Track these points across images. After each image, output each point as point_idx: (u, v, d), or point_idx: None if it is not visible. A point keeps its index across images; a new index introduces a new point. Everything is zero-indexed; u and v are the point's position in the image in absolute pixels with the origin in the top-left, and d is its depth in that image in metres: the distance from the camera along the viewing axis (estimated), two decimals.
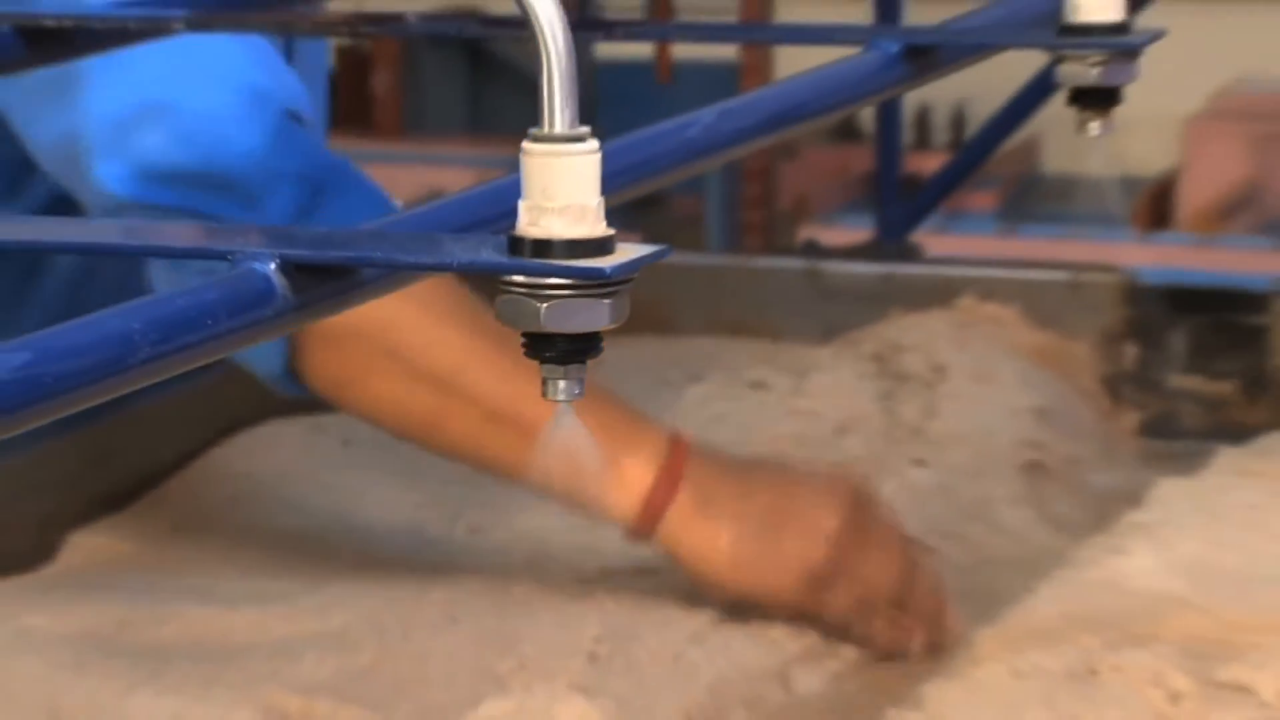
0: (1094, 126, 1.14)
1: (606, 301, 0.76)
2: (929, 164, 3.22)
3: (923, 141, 4.66)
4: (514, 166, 0.77)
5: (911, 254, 2.31)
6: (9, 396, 0.67)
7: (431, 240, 0.80)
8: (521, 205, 0.76)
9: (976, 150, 2.54)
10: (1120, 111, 1.14)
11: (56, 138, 1.56)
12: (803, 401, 1.92)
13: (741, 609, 1.59)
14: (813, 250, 2.41)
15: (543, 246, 0.75)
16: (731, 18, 4.09)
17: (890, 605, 1.56)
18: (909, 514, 1.73)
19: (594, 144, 0.76)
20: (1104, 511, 1.74)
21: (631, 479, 1.53)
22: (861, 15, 2.50)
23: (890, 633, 1.56)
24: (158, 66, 1.52)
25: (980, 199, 4.18)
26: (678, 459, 1.54)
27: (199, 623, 1.58)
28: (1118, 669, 1.41)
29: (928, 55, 1.12)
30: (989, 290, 2.08)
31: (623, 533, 1.56)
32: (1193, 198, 4.34)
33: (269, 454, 1.87)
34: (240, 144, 1.53)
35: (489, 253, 0.76)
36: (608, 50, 4.21)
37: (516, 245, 0.76)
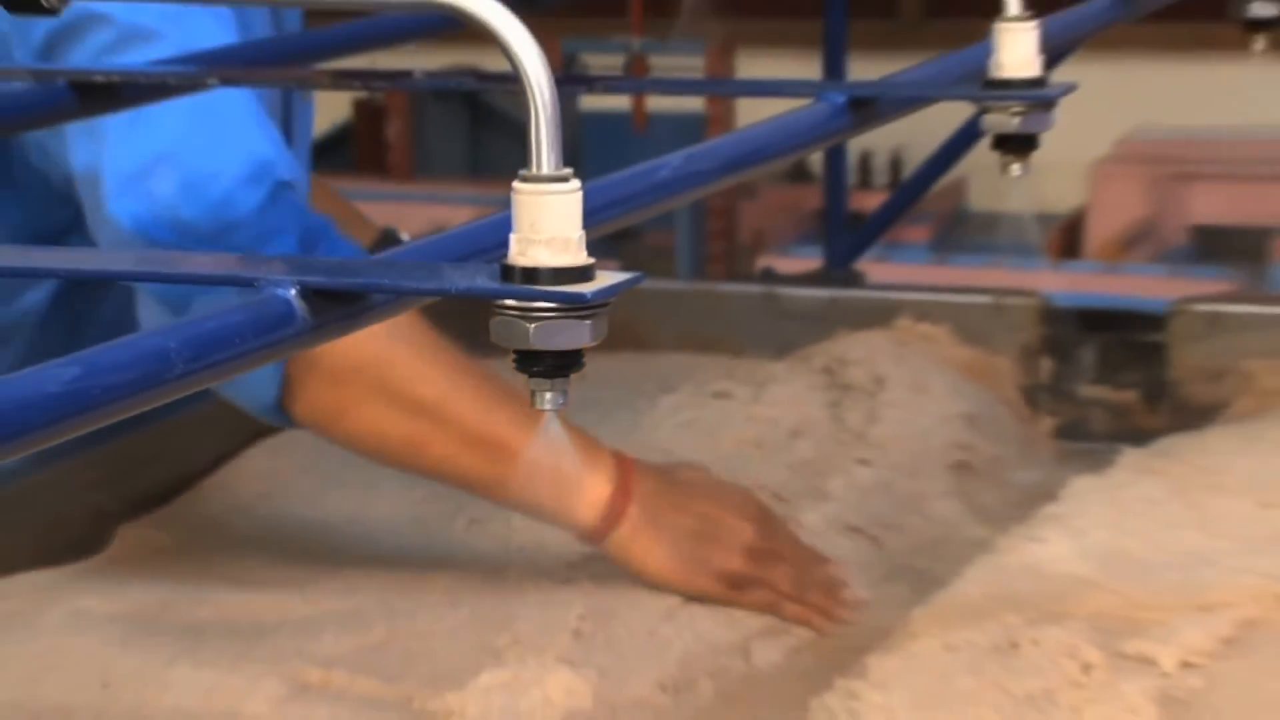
0: (1014, 168, 1.14)
1: (587, 322, 0.76)
2: (870, 202, 3.21)
3: (865, 182, 4.66)
4: (508, 204, 0.77)
5: (855, 280, 2.31)
6: (61, 406, 0.67)
7: (433, 268, 0.80)
8: (512, 238, 0.76)
9: (912, 189, 2.54)
10: (1037, 155, 1.14)
11: (83, 169, 1.55)
12: (761, 409, 1.92)
13: (710, 600, 1.60)
14: (769, 277, 2.42)
15: (531, 274, 0.76)
16: (698, 74, 4.09)
17: (793, 592, 1.61)
18: (854, 507, 1.74)
19: (576, 184, 0.76)
20: (1023, 505, 1.74)
21: (592, 495, 1.56)
22: (812, 71, 2.50)
23: (798, 613, 1.61)
24: (178, 125, 1.52)
25: (915, 232, 4.18)
26: (628, 478, 1.58)
27: (231, 604, 1.57)
28: (1036, 643, 1.41)
29: (869, 106, 1.12)
30: (923, 312, 2.08)
31: (577, 537, 1.59)
32: (1099, 231, 4.35)
33: (290, 458, 1.87)
34: (240, 204, 1.53)
35: (484, 279, 0.76)
36: (590, 103, 4.21)
37: (508, 273, 0.76)
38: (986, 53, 1.13)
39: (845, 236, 2.44)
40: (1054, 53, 1.15)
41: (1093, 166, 4.42)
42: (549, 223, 0.75)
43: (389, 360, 1.55)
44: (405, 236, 1.90)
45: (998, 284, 2.16)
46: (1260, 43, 1.54)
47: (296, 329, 0.74)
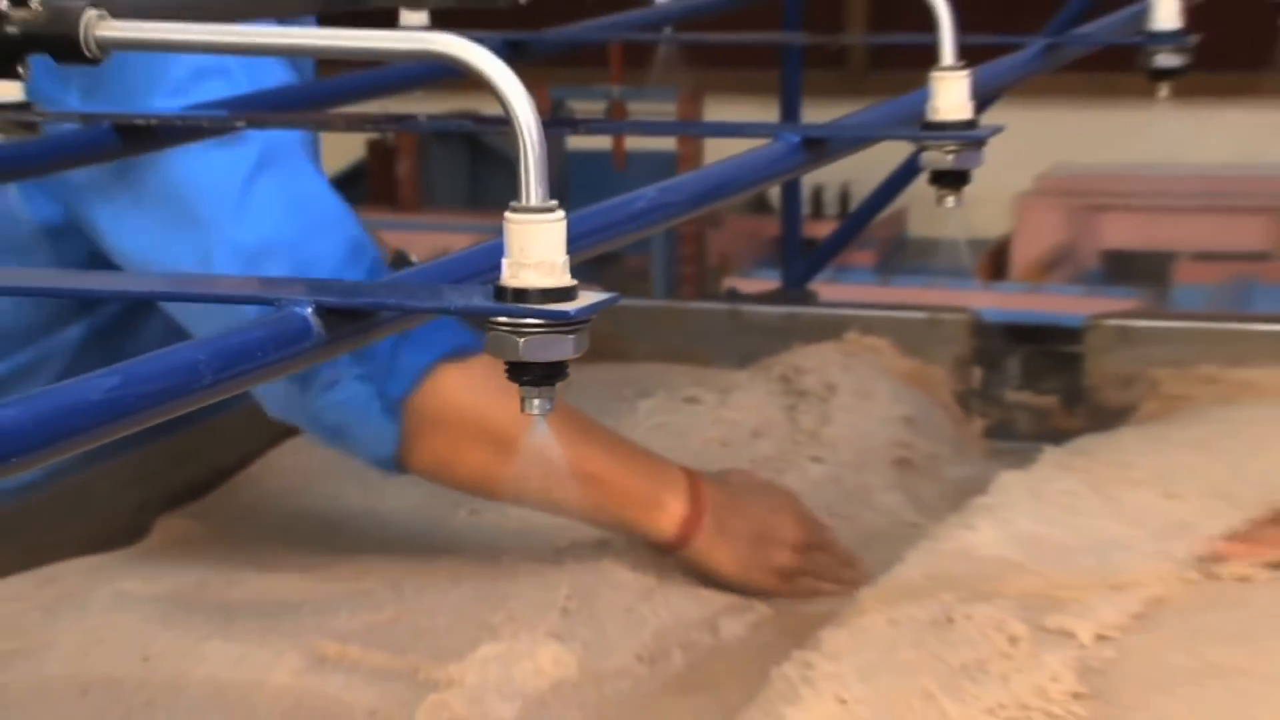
0: (949, 200, 1.14)
1: (571, 337, 0.76)
2: (822, 230, 3.22)
3: (817, 212, 4.66)
4: (501, 232, 0.77)
5: (809, 299, 2.31)
6: (102, 412, 0.66)
7: (434, 289, 0.80)
8: (504, 262, 0.76)
9: (859, 218, 2.54)
10: (968, 189, 1.13)
11: (181, 256, 1.53)
12: (726, 413, 1.92)
13: (678, 574, 1.60)
14: (733, 296, 2.41)
15: (521, 294, 0.75)
16: (671, 118, 4.09)
17: (829, 575, 1.65)
18: (808, 499, 1.73)
19: (560, 214, 0.76)
20: (957, 497, 1.74)
21: (672, 512, 1.59)
22: (770, 114, 2.49)
23: (833, 590, 1.63)
24: (278, 218, 1.52)
25: (861, 256, 4.18)
26: (698, 493, 1.60)
27: (258, 586, 1.57)
28: (969, 617, 1.41)
29: (821, 145, 1.11)
30: (868, 326, 2.08)
31: (657, 549, 1.60)
32: (1023, 255, 4.35)
33: (313, 456, 1.86)
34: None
35: (479, 299, 0.76)
36: (576, 143, 4.20)
37: (500, 293, 0.75)
38: (924, 98, 1.12)
39: (800, 260, 2.44)
40: (983, 98, 1.15)
41: (1017, 198, 4.42)
42: (537, 248, 0.75)
43: (490, 409, 1.55)
44: (415, 258, 1.90)
45: (934, 302, 2.16)
46: (1164, 90, 1.54)
47: (313, 343, 0.74)
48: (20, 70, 0.80)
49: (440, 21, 1.22)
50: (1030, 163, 4.45)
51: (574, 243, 0.77)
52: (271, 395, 1.57)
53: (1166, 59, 1.53)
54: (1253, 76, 2.30)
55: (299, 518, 1.74)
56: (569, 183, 4.10)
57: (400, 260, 1.92)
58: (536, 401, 0.77)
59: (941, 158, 1.12)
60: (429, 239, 4.03)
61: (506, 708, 1.35)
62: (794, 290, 2.39)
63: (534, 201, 0.75)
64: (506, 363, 0.76)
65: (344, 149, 4.49)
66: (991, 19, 1.30)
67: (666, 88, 4.03)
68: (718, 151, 1.11)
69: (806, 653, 1.39)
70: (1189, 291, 3.84)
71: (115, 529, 1.67)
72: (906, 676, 1.34)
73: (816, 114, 1.59)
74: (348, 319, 0.77)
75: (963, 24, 1.12)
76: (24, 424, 0.66)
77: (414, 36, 0.79)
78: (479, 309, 0.75)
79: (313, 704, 1.36)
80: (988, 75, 1.30)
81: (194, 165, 1.51)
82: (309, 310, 0.74)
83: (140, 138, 1.13)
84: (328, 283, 0.78)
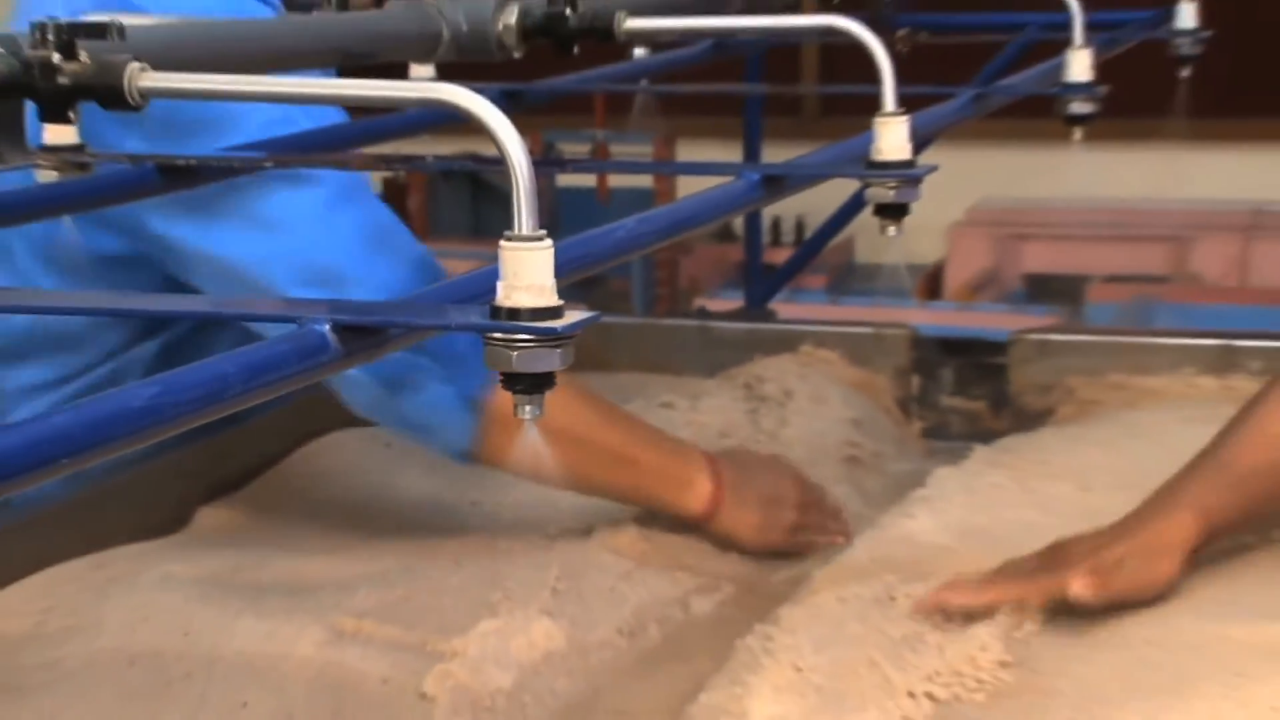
0: (890, 230, 1.13)
1: (558, 350, 0.76)
2: (780, 256, 3.21)
3: (776, 240, 4.65)
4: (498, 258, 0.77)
5: (769, 316, 2.31)
6: (142, 418, 0.66)
7: (438, 309, 0.79)
8: (499, 285, 0.75)
9: (812, 246, 2.54)
10: (908, 220, 1.13)
11: (258, 270, 1.52)
12: (696, 416, 1.92)
13: (654, 559, 1.59)
14: (702, 314, 2.41)
15: (514, 313, 0.75)
16: (648, 158, 4.08)
17: (825, 528, 1.68)
18: None
19: (549, 242, 0.75)
20: (899, 490, 1.74)
21: (700, 491, 1.62)
22: (734, 155, 2.49)
23: (830, 541, 1.66)
24: (357, 241, 1.53)
25: (815, 279, 4.17)
26: (718, 472, 1.63)
27: (286, 568, 1.56)
28: (909, 596, 1.41)
29: (779, 182, 1.11)
30: (821, 340, 2.08)
31: (688, 521, 1.63)
32: (955, 277, 4.35)
33: (336, 453, 1.86)
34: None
35: (477, 317, 0.76)
36: (565, 180, 4.20)
37: (496, 312, 0.75)
38: (869, 141, 1.12)
39: (761, 283, 2.44)
40: (920, 140, 1.15)
41: (950, 228, 4.43)
42: (528, 273, 0.74)
43: (552, 408, 1.54)
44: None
45: (878, 319, 2.16)
46: (1078, 134, 1.54)
47: (330, 357, 0.73)
48: (71, 116, 0.79)
49: (445, 73, 1.22)
50: (961, 197, 4.45)
51: (562, 267, 0.76)
52: (359, 397, 1.58)
53: (1079, 107, 1.53)
54: (1155, 123, 2.30)
55: (322, 509, 1.73)
56: (559, 215, 4.10)
57: None
58: (528, 407, 0.77)
59: (884, 193, 1.11)
60: None
61: (504, 675, 1.35)
62: (755, 309, 2.39)
63: (525, 231, 0.75)
64: (501, 373, 0.76)
65: None
66: (927, 72, 1.29)
67: (644, 132, 4.03)
68: (689, 187, 1.10)
69: (767, 627, 1.39)
70: (1100, 310, 3.84)
71: (160, 519, 1.66)
72: (854, 647, 1.33)
73: (774, 154, 1.58)
74: (362, 335, 0.76)
75: (902, 77, 1.11)
76: (75, 428, 0.65)
77: (422, 86, 0.78)
78: (477, 326, 0.75)
79: (333, 673, 1.35)
80: (924, 121, 1.30)
81: (279, 196, 1.51)
82: (327, 327, 0.74)
83: (179, 176, 1.12)
84: (344, 303, 0.77)
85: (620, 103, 3.16)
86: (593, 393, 1.62)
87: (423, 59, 1.17)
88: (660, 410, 1.93)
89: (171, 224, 1.54)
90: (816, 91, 4.47)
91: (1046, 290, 4.25)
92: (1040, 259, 4.41)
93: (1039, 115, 1.60)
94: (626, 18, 1.14)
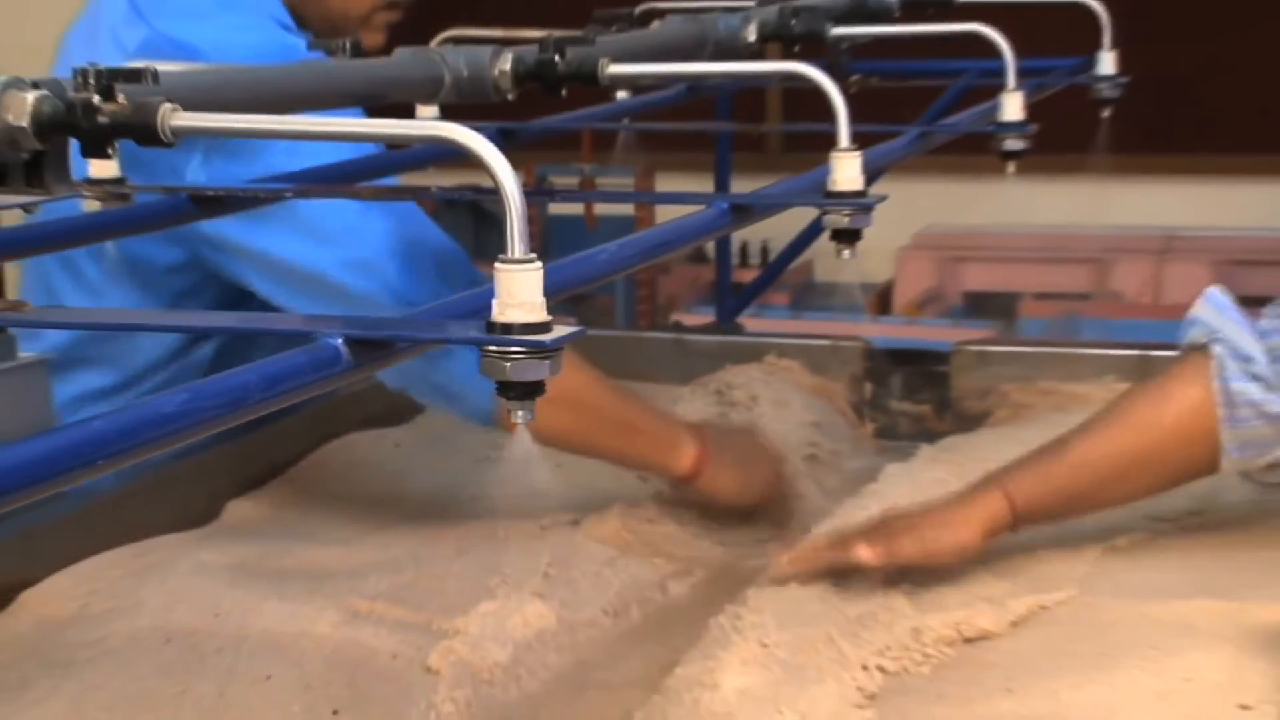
0: (845, 253, 1.13)
1: (547, 361, 0.75)
2: (748, 276, 3.21)
3: (744, 262, 4.64)
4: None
5: (737, 330, 2.30)
6: (174, 422, 0.65)
7: (440, 324, 0.79)
8: (494, 302, 0.75)
9: (776, 267, 2.53)
10: (861, 243, 1.13)
11: (304, 261, 1.53)
12: None
13: (636, 549, 1.58)
14: (678, 328, 2.40)
15: (507, 327, 0.75)
16: (630, 189, 4.08)
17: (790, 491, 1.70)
18: None
19: (538, 264, 0.75)
20: (854, 484, 1.74)
21: (686, 453, 1.63)
22: (706, 186, 2.49)
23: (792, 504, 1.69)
24: (391, 235, 1.53)
25: (778, 296, 4.17)
26: (702, 436, 1.64)
27: (306, 556, 1.55)
28: (862, 579, 1.40)
29: (746, 210, 1.11)
30: (784, 351, 2.07)
31: (676, 481, 1.64)
32: (903, 295, 4.35)
33: (350, 453, 1.85)
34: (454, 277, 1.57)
35: (474, 331, 0.75)
36: (556, 209, 4.19)
37: (491, 327, 0.75)
38: (826, 173, 1.12)
39: (730, 299, 2.44)
40: (871, 173, 1.14)
41: (898, 251, 4.43)
42: (520, 291, 0.74)
43: (567, 378, 1.54)
44: None
45: (835, 332, 2.15)
46: (1011, 167, 1.54)
47: (342, 368, 0.73)
48: (110, 151, 0.78)
49: (449, 113, 1.21)
50: (908, 223, 4.46)
51: (554, 286, 0.76)
52: (389, 370, 1.57)
53: (1012, 144, 1.53)
54: (1079, 158, 2.30)
55: (338, 503, 1.72)
56: (551, 240, 4.09)
57: None
58: (520, 413, 0.76)
59: (840, 219, 1.11)
60: None
61: (501, 651, 1.34)
62: (726, 323, 2.38)
63: (517, 254, 0.74)
64: (496, 382, 0.75)
65: None
66: (877, 112, 1.29)
67: (626, 166, 4.03)
68: (666, 215, 1.10)
69: (736, 607, 1.39)
70: (1031, 323, 3.84)
71: (194, 512, 1.65)
72: (814, 625, 1.33)
73: (742, 185, 1.58)
74: (371, 348, 0.75)
75: (855, 116, 1.11)
76: (113, 433, 0.65)
77: (426, 125, 0.78)
78: (474, 340, 0.75)
79: (348, 649, 1.34)
80: (875, 155, 1.29)
81: (317, 204, 1.52)
82: (339, 341, 0.73)
83: (211, 205, 1.11)
84: (354, 318, 0.76)
85: (605, 139, 3.15)
86: (593, 367, 1.61)
87: (428, 100, 1.16)
88: None
89: (222, 225, 1.54)
90: (779, 129, 4.47)
91: (984, 306, 4.25)
92: (978, 279, 4.42)
93: (977, 151, 1.60)
94: (609, 64, 1.13)
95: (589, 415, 1.58)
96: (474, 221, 4.45)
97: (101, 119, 0.77)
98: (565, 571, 1.49)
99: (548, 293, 0.75)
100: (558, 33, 1.16)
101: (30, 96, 0.76)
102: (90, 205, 1.03)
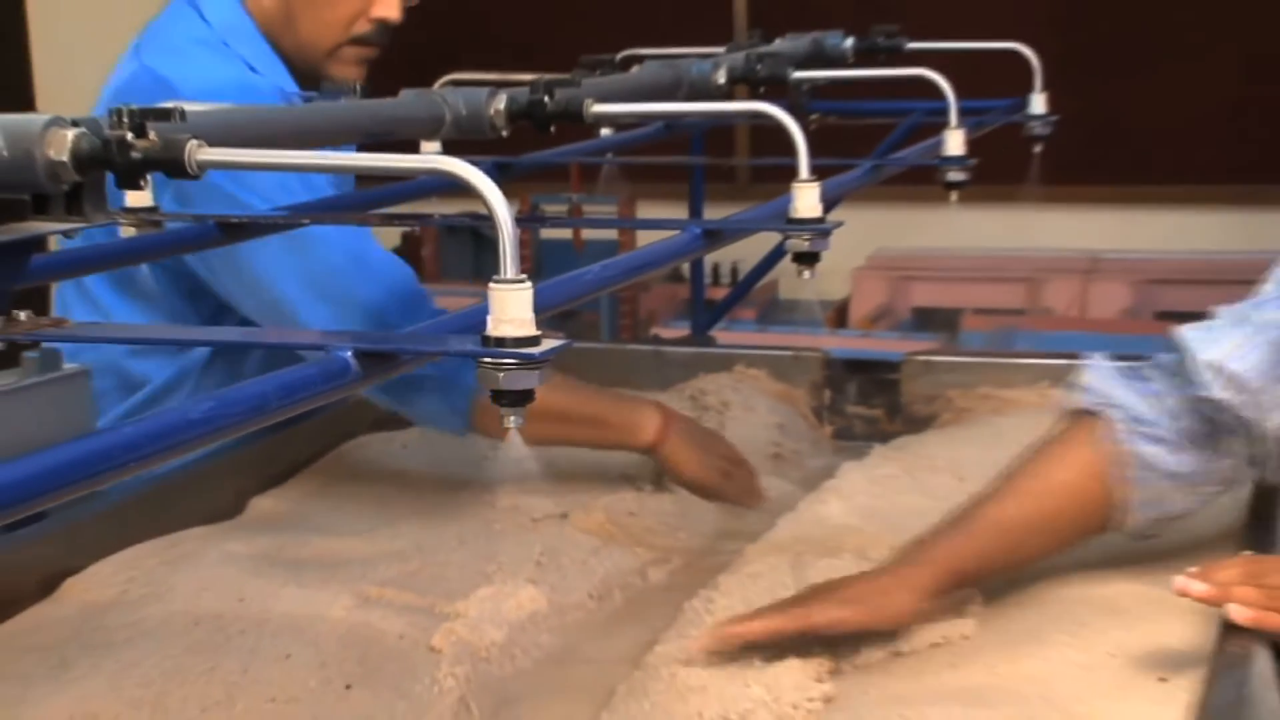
0: (806, 273, 1.13)
1: (537, 372, 0.75)
2: (719, 293, 3.20)
3: (716, 281, 4.64)
4: None
5: (710, 342, 2.30)
6: (199, 428, 0.64)
7: (440, 338, 0.79)
8: (489, 318, 0.75)
9: (744, 286, 2.53)
10: (820, 265, 1.13)
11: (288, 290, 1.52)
12: None
13: (619, 539, 1.58)
14: (657, 340, 2.39)
15: (500, 341, 0.74)
16: (614, 216, 4.08)
17: (746, 485, 1.70)
18: None
19: (529, 284, 0.75)
20: (814, 481, 1.73)
21: (650, 425, 1.66)
22: (681, 213, 2.48)
23: (749, 500, 1.68)
24: (353, 276, 1.55)
25: (746, 312, 4.16)
26: (667, 414, 1.68)
27: (322, 547, 1.54)
28: (818, 568, 1.40)
29: (717, 235, 1.11)
30: (751, 362, 2.07)
31: (641, 451, 1.66)
32: (858, 310, 4.35)
33: (364, 453, 1.84)
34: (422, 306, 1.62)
35: (471, 345, 0.75)
36: (547, 234, 4.19)
37: (486, 340, 0.75)
38: (788, 202, 1.12)
39: (704, 315, 2.43)
40: (829, 202, 1.14)
41: (854, 271, 4.43)
42: (511, 308, 0.74)
43: (544, 396, 1.56)
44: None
45: (797, 344, 2.15)
46: (954, 197, 1.55)
47: (351, 378, 0.72)
48: (142, 183, 0.78)
49: (450, 148, 1.21)
50: (862, 247, 4.47)
51: (544, 304, 0.76)
52: (381, 405, 1.60)
53: (955, 175, 1.53)
54: (1014, 188, 2.31)
55: (351, 499, 1.71)
56: (542, 262, 4.08)
57: None
58: (512, 419, 0.76)
59: (800, 243, 1.11)
60: (444, 302, 4.00)
61: (497, 632, 1.34)
62: (699, 336, 2.37)
63: (509, 275, 0.74)
64: (490, 390, 0.75)
65: (386, 238, 4.46)
66: (834, 147, 1.29)
67: (610, 195, 4.02)
68: (646, 239, 1.09)
69: (708, 591, 1.38)
70: (972, 336, 3.84)
71: (221, 506, 1.64)
72: None
73: (714, 213, 1.58)
74: (378, 360, 0.75)
75: (814, 151, 1.11)
76: (145, 437, 0.64)
77: (428, 159, 0.78)
78: (471, 352, 0.74)
79: (360, 631, 1.33)
80: (832, 186, 1.29)
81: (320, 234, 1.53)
82: (349, 354, 0.73)
83: (234, 230, 1.11)
84: (363, 333, 0.76)
85: (591, 172, 3.15)
86: (562, 374, 1.62)
87: (430, 137, 1.16)
88: None
89: (249, 254, 1.54)
90: (747, 163, 4.47)
91: (930, 321, 4.26)
92: (925, 296, 4.42)
93: (923, 182, 1.60)
94: (593, 104, 1.13)
95: (562, 421, 1.62)
96: (475, 246, 4.44)
97: (134, 154, 0.76)
98: (555, 560, 1.49)
99: (540, 309, 0.75)
100: (547, 76, 1.16)
101: (70, 134, 0.76)
102: (127, 231, 1.03)
